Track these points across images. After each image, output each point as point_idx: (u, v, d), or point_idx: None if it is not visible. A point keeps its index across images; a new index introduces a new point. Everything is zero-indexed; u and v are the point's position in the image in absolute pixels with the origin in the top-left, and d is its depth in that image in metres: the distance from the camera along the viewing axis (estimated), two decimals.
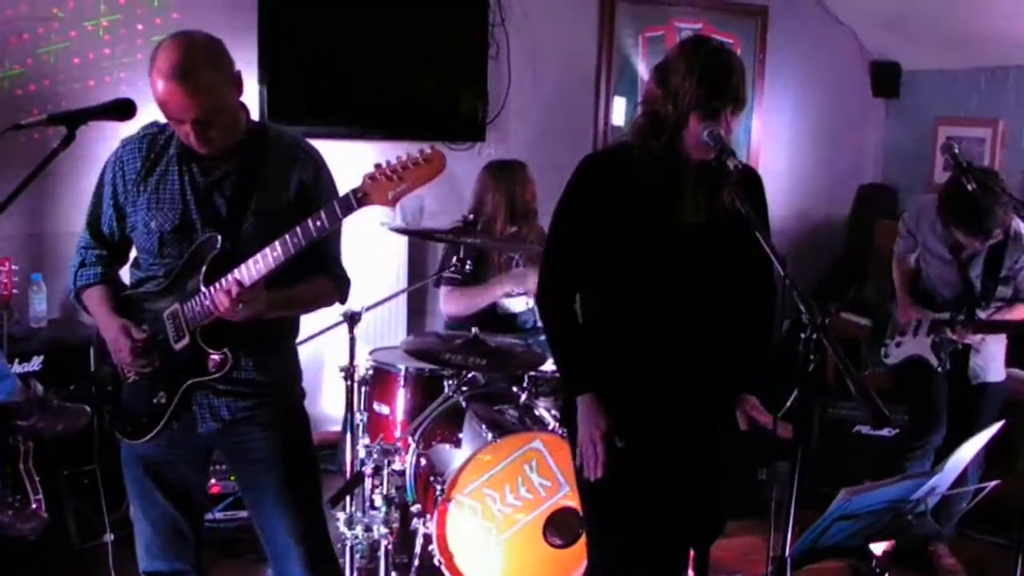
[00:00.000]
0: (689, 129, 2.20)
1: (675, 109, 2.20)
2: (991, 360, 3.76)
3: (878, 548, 2.57)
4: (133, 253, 2.51)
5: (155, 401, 2.39)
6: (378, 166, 2.12)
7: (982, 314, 3.67)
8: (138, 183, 2.37)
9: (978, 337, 3.68)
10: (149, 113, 2.32)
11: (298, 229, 2.18)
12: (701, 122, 2.17)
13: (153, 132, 2.40)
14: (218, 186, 2.33)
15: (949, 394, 3.79)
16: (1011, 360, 3.88)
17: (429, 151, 2.13)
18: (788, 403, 1.97)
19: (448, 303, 4.00)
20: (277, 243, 2.19)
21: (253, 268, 2.22)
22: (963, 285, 3.70)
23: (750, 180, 2.39)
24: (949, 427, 3.80)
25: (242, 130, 2.34)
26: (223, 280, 2.24)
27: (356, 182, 2.16)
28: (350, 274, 2.52)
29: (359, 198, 2.13)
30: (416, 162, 2.11)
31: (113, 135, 2.54)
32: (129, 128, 2.40)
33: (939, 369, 3.75)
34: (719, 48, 2.25)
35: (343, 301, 2.56)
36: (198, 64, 2.16)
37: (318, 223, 2.17)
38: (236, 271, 2.23)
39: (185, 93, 2.15)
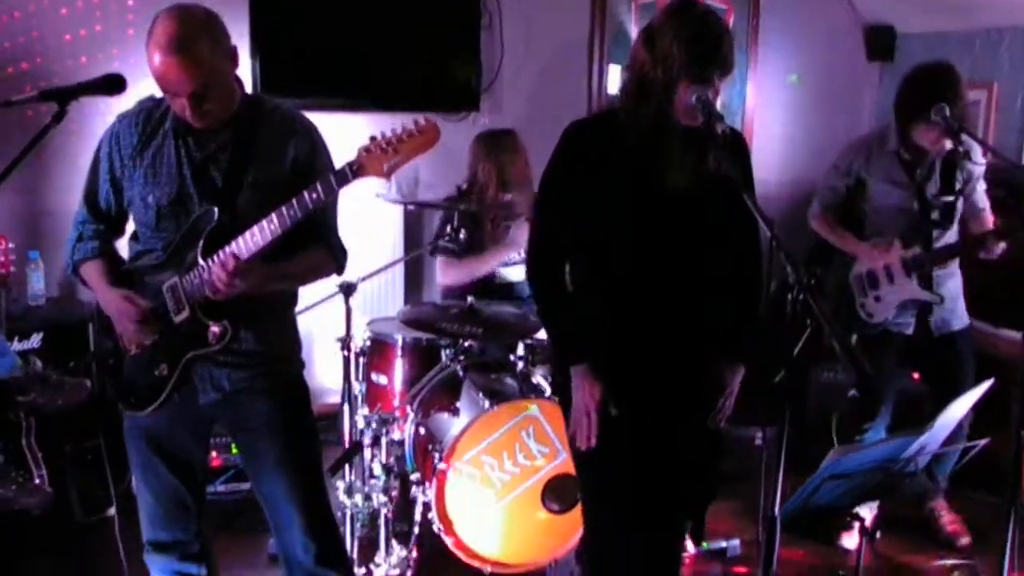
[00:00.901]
0: (678, 95, 2.20)
1: (664, 74, 2.19)
2: (953, 304, 3.63)
3: (866, 512, 2.59)
4: (131, 227, 2.53)
5: (157, 373, 2.42)
6: (373, 139, 2.14)
7: (940, 240, 3.54)
8: (134, 157, 2.38)
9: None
10: (141, 88, 2.32)
11: (294, 201, 2.20)
12: (690, 87, 2.17)
13: (149, 106, 2.41)
14: (214, 159, 2.35)
15: (919, 355, 3.71)
16: (975, 311, 3.77)
17: (424, 122, 2.15)
18: (779, 376, 1.99)
19: (445, 274, 4.05)
20: (274, 215, 2.21)
21: (251, 240, 2.24)
22: (919, 208, 3.53)
23: (737, 145, 2.40)
24: (934, 387, 3.74)
25: (237, 104, 2.35)
26: (220, 253, 2.26)
27: (350, 154, 2.18)
28: (346, 246, 2.54)
29: (354, 170, 2.15)
30: (411, 134, 2.13)
31: (107, 111, 2.56)
32: (122, 103, 2.41)
33: (936, 304, 3.57)
34: (706, 13, 2.25)
35: (340, 272, 2.57)
36: (195, 38, 2.18)
37: (314, 195, 2.18)
38: (233, 244, 2.25)
39: (182, 66, 2.16)
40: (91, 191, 2.49)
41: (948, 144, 3.33)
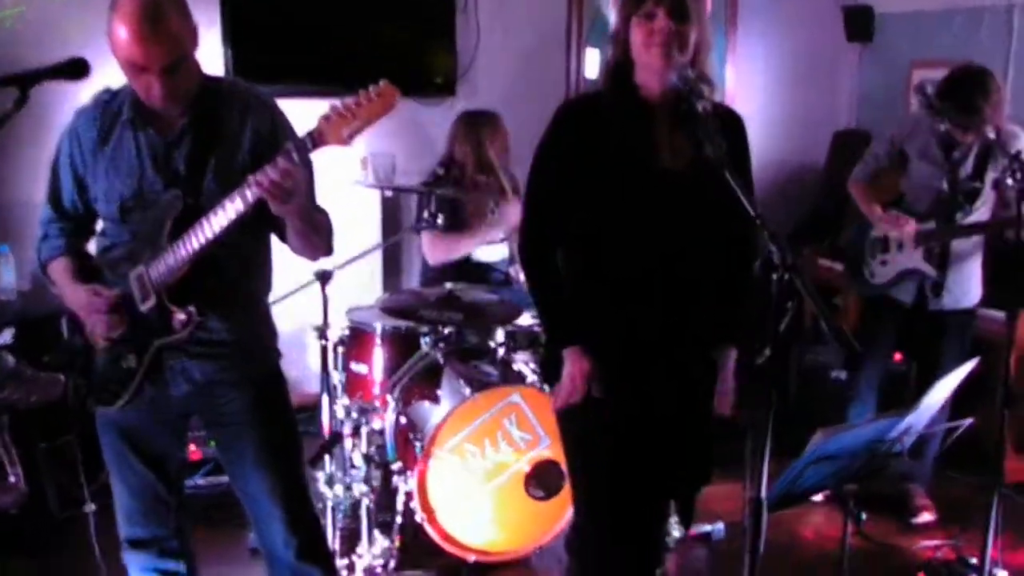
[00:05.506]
0: (632, 39, 2.24)
1: (617, 39, 2.27)
2: (955, 285, 3.69)
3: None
4: (100, 223, 2.46)
5: (124, 365, 2.37)
6: (333, 106, 2.09)
7: (962, 220, 3.62)
8: (95, 152, 2.33)
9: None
10: (105, 74, 2.26)
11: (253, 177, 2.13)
12: (638, 25, 2.21)
13: (105, 99, 2.36)
14: (176, 145, 2.29)
15: (911, 327, 3.79)
16: (989, 297, 3.82)
17: (381, 86, 2.10)
18: (761, 358, 1.96)
19: (432, 249, 4.01)
20: (235, 193, 2.14)
21: (215, 221, 2.17)
22: (948, 188, 3.62)
23: (730, 122, 2.37)
24: (917, 362, 3.85)
25: (196, 84, 2.29)
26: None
27: None
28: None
29: (315, 139, 2.10)
30: (369, 98, 2.09)
31: (73, 97, 2.48)
32: (87, 88, 2.34)
33: (933, 279, 3.67)
34: None
35: (330, 251, 2.47)
36: (166, 10, 2.13)
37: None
38: (198, 225, 2.19)
39: (155, 38, 2.10)
40: (55, 191, 2.43)
41: (991, 134, 3.40)
